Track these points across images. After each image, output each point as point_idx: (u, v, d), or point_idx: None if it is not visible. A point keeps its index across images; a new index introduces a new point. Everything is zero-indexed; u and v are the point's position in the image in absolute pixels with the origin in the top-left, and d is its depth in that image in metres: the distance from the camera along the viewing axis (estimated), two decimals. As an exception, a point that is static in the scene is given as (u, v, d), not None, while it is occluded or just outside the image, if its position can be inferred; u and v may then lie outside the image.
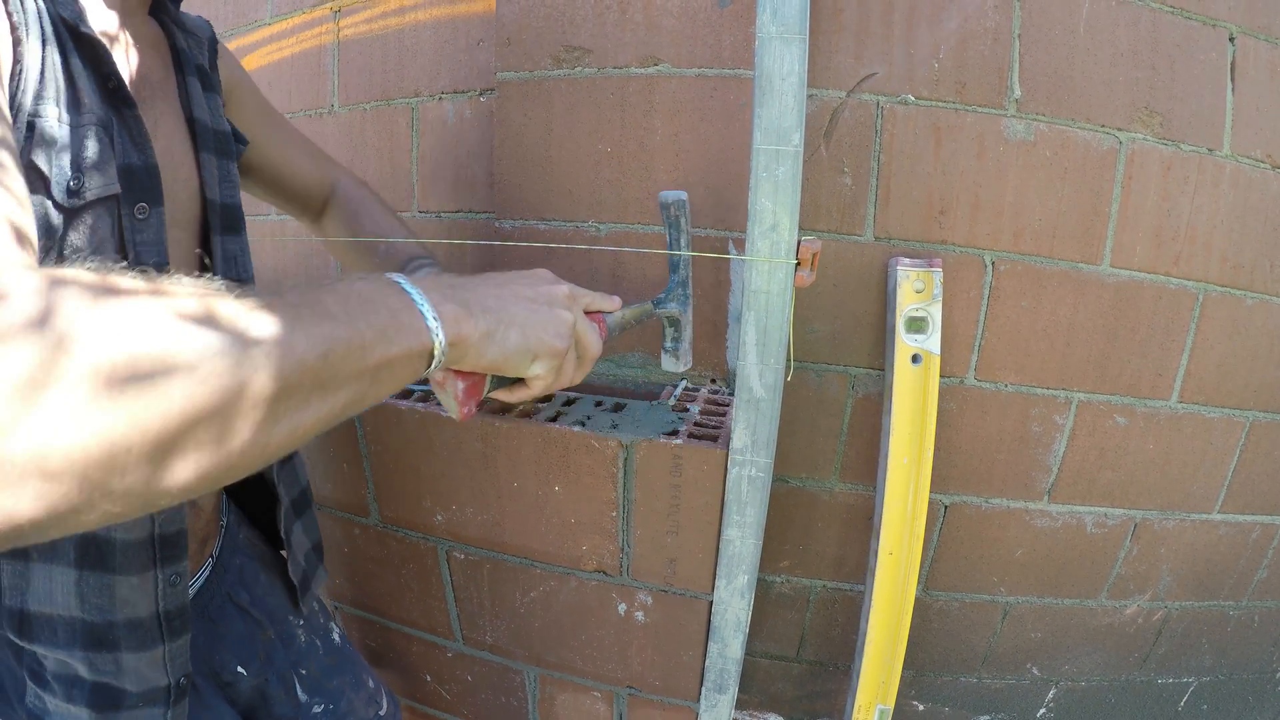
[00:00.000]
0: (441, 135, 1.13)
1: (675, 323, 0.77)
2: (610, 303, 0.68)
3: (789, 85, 0.71)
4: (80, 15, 0.54)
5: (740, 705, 1.24)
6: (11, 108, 0.49)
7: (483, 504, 0.91)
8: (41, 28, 0.51)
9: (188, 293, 0.35)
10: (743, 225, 0.94)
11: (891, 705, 1.06)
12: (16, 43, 0.49)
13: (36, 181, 0.50)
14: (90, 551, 0.60)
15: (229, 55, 0.83)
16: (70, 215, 0.53)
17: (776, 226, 0.74)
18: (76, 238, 0.53)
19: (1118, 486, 1.07)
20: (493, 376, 0.60)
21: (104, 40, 0.56)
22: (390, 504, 0.97)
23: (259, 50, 1.28)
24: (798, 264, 0.74)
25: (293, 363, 0.36)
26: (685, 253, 0.75)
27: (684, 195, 0.74)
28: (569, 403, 0.94)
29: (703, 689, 0.93)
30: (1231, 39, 0.95)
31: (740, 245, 0.95)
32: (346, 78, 1.19)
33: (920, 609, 1.11)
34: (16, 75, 0.49)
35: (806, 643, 1.17)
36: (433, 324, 0.47)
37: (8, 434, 0.26)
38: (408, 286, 0.47)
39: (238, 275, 0.73)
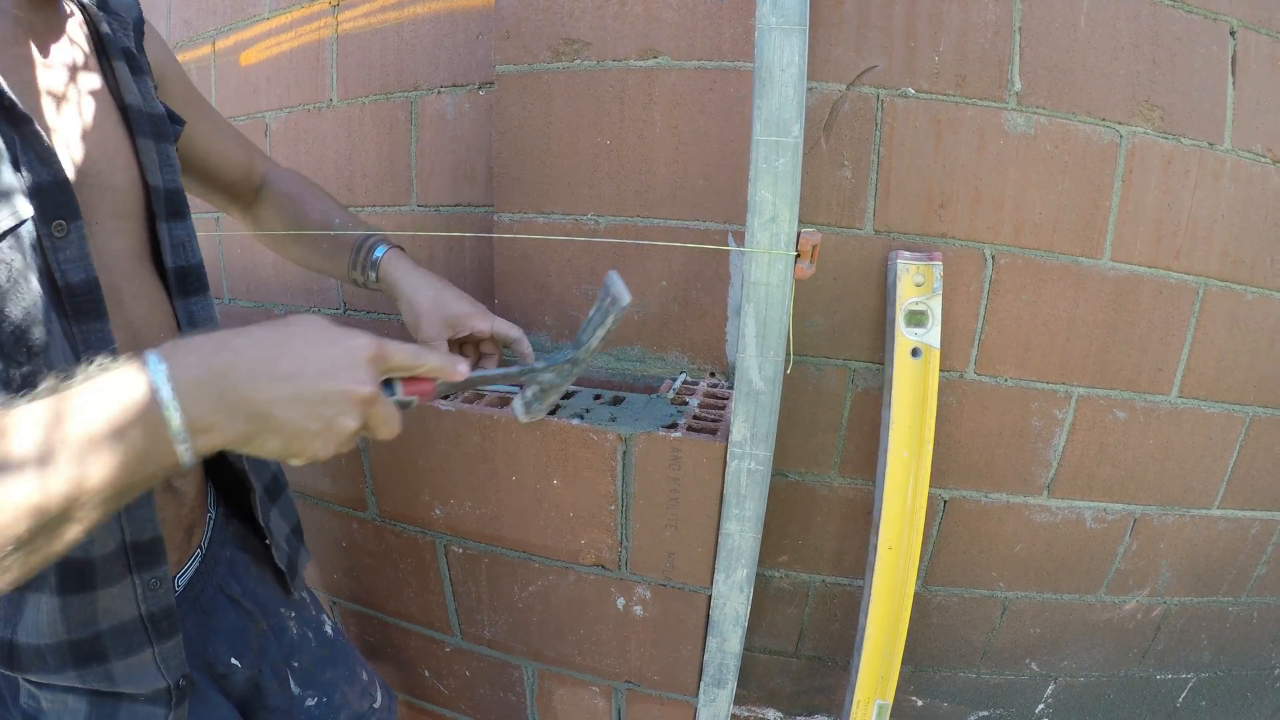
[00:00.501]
0: (440, 129, 1.12)
1: (545, 390, 0.69)
2: (448, 372, 0.57)
3: (789, 76, 0.71)
4: None
5: (738, 700, 1.23)
6: None
7: (481, 498, 0.91)
8: None
9: None
10: (742, 218, 0.94)
11: (890, 700, 1.06)
12: None
13: None
14: (71, 576, 0.60)
15: (157, 37, 0.80)
16: None
17: (776, 218, 0.74)
18: None
19: (1117, 481, 1.07)
20: None
21: None
22: (388, 498, 0.96)
23: (258, 45, 1.27)
24: (797, 256, 0.74)
25: (23, 523, 0.39)
26: (595, 343, 0.67)
27: (627, 300, 0.64)
28: (567, 396, 0.94)
29: (701, 683, 0.92)
30: (1232, 33, 0.95)
31: (739, 238, 0.94)
32: (345, 72, 1.18)
33: (919, 604, 1.10)
34: None
35: (805, 638, 1.17)
36: (181, 447, 0.44)
37: None
38: (163, 396, 0.43)
39: (186, 261, 0.73)
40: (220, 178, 0.89)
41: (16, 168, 0.53)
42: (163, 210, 0.69)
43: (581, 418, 0.85)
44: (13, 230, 0.52)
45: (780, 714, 1.24)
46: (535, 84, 0.96)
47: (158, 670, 0.65)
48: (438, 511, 0.94)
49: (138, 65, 0.71)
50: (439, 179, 1.15)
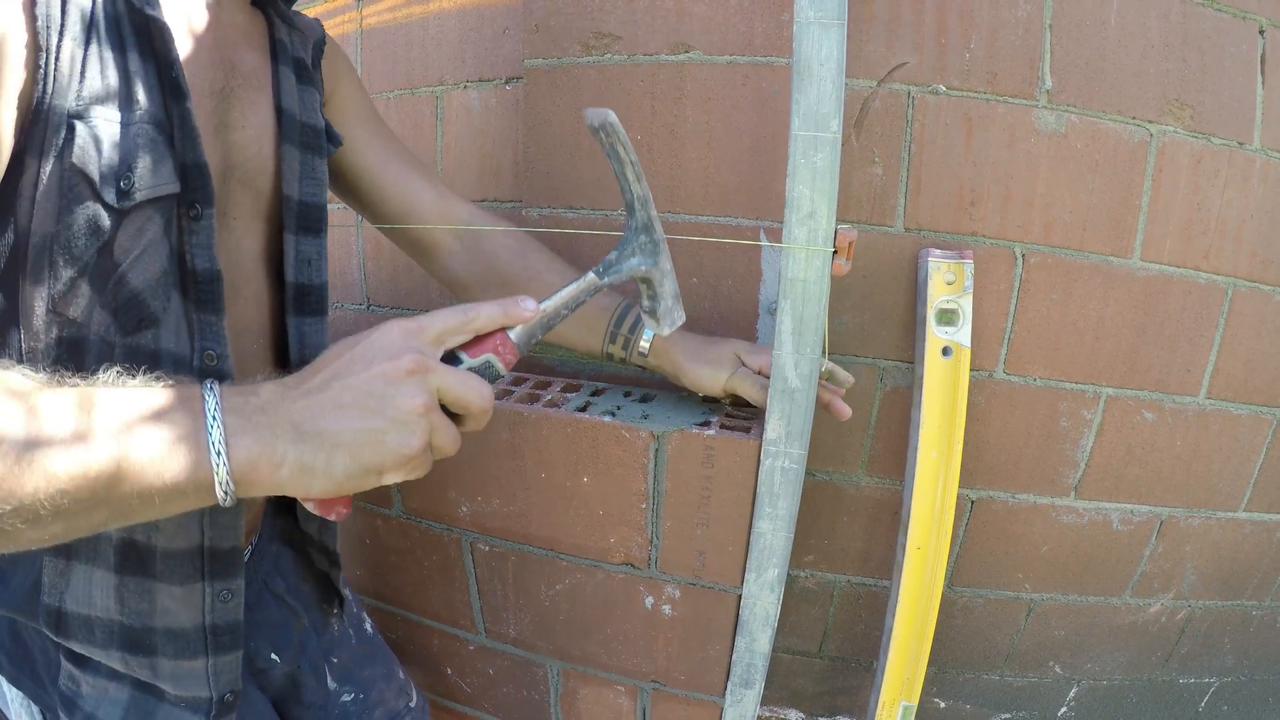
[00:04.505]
0: (467, 124, 1.12)
1: (647, 280, 0.61)
2: (513, 314, 0.51)
3: (827, 71, 0.70)
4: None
5: (760, 701, 1.23)
6: (38, 115, 0.48)
7: (509, 495, 0.90)
8: (88, 25, 0.50)
9: None
10: (774, 214, 0.93)
11: (916, 702, 1.05)
12: (39, 49, 0.48)
13: (81, 185, 0.49)
14: (130, 557, 0.59)
15: (340, 58, 0.80)
16: (121, 215, 0.51)
17: (814, 214, 0.73)
18: (126, 239, 0.52)
19: (1144, 483, 1.06)
20: None
21: (172, 25, 0.54)
22: (414, 495, 0.96)
23: (278, 39, 1.27)
24: (835, 252, 0.74)
25: (48, 487, 0.38)
26: (642, 188, 0.57)
27: (610, 114, 0.55)
28: (597, 393, 0.93)
29: (729, 684, 0.92)
30: (1261, 31, 0.94)
31: (771, 234, 0.94)
32: (370, 66, 1.18)
33: (944, 605, 1.10)
34: (40, 81, 0.48)
35: (829, 638, 1.16)
36: (216, 460, 0.42)
37: None
38: (209, 408, 0.43)
39: (309, 279, 0.70)
40: (392, 206, 0.84)
41: (171, 144, 0.54)
42: (293, 222, 0.68)
43: (613, 415, 0.85)
44: (157, 200, 0.53)
45: (802, 715, 1.23)
46: (565, 78, 0.96)
47: (206, 681, 0.63)
48: (464, 508, 0.93)
49: (306, 76, 0.70)
50: (465, 174, 1.14)
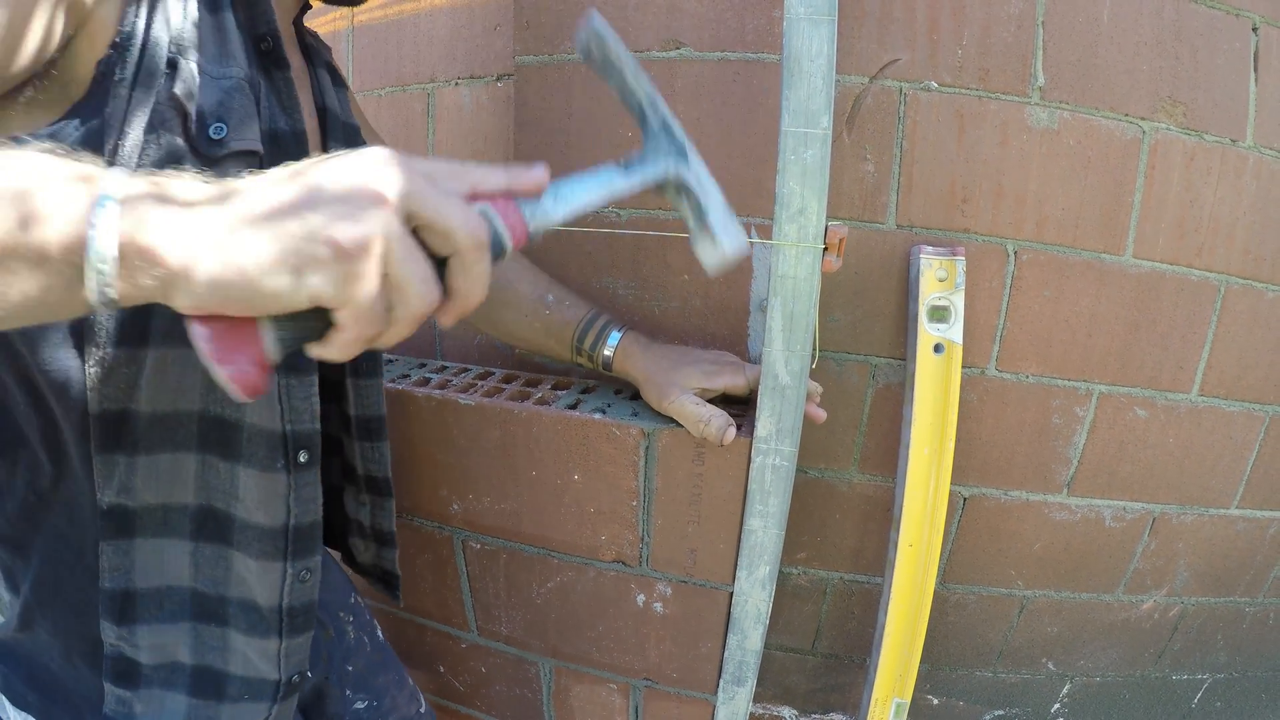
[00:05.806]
0: (458, 121, 1.11)
1: (683, 186, 0.50)
2: (517, 178, 0.42)
3: (817, 67, 0.70)
4: None
5: (752, 698, 1.23)
6: (134, 41, 0.47)
7: (500, 493, 0.90)
8: None
9: None
10: (766, 211, 0.93)
11: (908, 699, 1.05)
12: None
13: (173, 117, 0.49)
14: (207, 524, 0.57)
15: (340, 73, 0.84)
16: (207, 164, 0.49)
17: (804, 210, 0.73)
18: None
19: (1137, 480, 1.06)
20: (273, 324, 0.36)
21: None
22: (405, 493, 0.95)
23: (270, 36, 1.26)
24: (825, 249, 0.73)
25: None
26: (643, 87, 0.48)
27: (595, 17, 0.49)
28: (587, 390, 0.93)
29: (720, 681, 0.92)
30: (1254, 29, 0.94)
31: (763, 231, 0.94)
32: (361, 63, 1.18)
33: (936, 602, 1.10)
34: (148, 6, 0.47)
35: (822, 635, 1.16)
36: (99, 212, 0.32)
37: None
38: (107, 171, 0.35)
39: None
40: None
41: (256, 106, 0.53)
42: None
43: (604, 412, 0.85)
44: (244, 155, 0.52)
45: (795, 712, 1.23)
46: (556, 75, 0.95)
47: (276, 662, 0.62)
48: (455, 507, 0.93)
49: (339, 79, 0.72)
50: (455, 172, 1.14)
